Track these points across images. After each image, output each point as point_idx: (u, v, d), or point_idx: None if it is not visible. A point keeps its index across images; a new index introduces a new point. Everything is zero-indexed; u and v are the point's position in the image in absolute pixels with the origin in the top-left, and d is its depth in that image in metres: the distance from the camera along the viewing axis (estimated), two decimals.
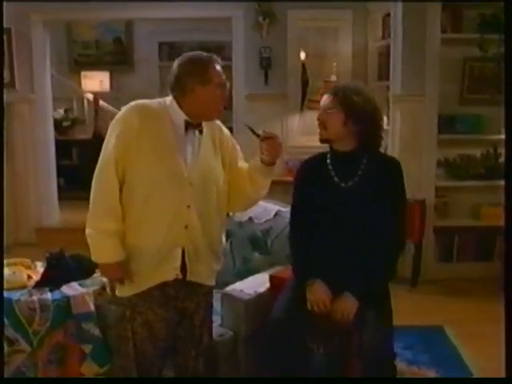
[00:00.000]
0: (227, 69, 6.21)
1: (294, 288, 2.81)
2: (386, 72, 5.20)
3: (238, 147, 2.72)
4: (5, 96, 5.65)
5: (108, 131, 2.50)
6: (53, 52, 7.70)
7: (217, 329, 3.05)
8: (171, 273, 2.52)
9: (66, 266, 3.37)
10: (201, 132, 2.54)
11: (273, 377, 2.72)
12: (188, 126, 2.50)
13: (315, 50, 5.86)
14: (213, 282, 2.72)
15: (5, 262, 3.42)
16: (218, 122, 2.67)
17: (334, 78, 5.75)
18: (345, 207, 2.73)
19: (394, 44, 4.96)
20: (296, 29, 5.82)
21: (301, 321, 2.68)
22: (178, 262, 2.52)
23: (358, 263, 2.68)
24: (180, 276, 2.53)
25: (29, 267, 3.47)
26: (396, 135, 4.91)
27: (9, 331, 3.13)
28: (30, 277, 3.34)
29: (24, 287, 3.28)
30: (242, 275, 3.42)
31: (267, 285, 3.11)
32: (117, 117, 2.50)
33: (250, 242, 3.59)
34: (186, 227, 2.50)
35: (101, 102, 7.44)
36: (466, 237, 5.08)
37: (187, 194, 2.48)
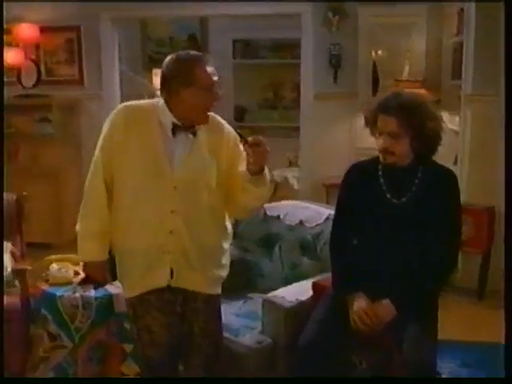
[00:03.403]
0: (297, 67, 6.15)
1: (333, 299, 2.71)
2: (461, 70, 4.96)
3: (241, 150, 2.55)
4: (73, 93, 5.84)
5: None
6: (127, 49, 7.90)
7: (256, 335, 3.01)
8: (162, 279, 2.52)
9: (113, 265, 3.40)
10: (194, 134, 2.48)
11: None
12: (176, 128, 2.45)
13: (387, 47, 5.69)
14: (213, 291, 2.66)
15: (52, 257, 3.52)
16: (222, 123, 2.59)
17: (405, 76, 5.56)
18: (395, 223, 2.61)
19: (466, 40, 4.73)
20: (367, 25, 5.67)
21: (339, 336, 2.57)
22: (168, 269, 2.51)
23: (403, 277, 2.56)
24: (172, 283, 2.52)
25: (76, 264, 3.52)
26: (467, 137, 4.68)
27: (51, 327, 3.21)
28: (77, 273, 3.40)
29: (69, 283, 3.34)
30: (290, 281, 3.35)
31: (311, 292, 3.02)
32: (107, 119, 2.51)
33: (300, 246, 3.52)
34: (171, 232, 2.47)
35: None
36: None
37: (171, 198, 2.45)
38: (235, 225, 3.77)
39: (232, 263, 3.57)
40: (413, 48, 5.63)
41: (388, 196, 2.64)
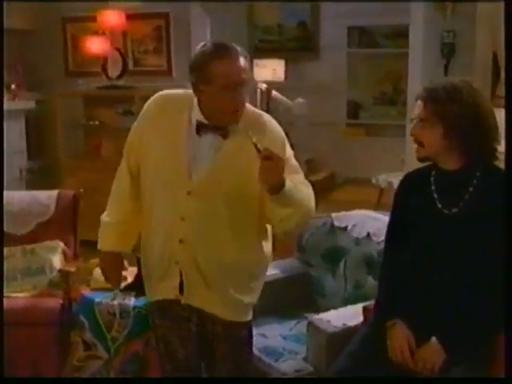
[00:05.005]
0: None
1: (372, 325, 2.57)
2: None
3: (290, 160, 2.38)
4: (159, 84, 5.92)
5: None
6: (232, 37, 7.96)
7: (297, 362, 2.91)
8: (170, 291, 2.48)
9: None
10: (224, 136, 2.35)
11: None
12: (201, 127, 2.35)
13: None
14: (236, 318, 2.52)
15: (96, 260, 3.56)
16: (267, 125, 2.40)
17: None
18: (445, 239, 2.42)
19: None
20: (488, 8, 5.31)
21: (373, 370, 2.41)
22: (177, 281, 2.45)
23: (454, 307, 2.36)
24: (180, 297, 2.47)
25: (125, 268, 3.56)
26: None
27: (86, 335, 3.27)
28: (124, 279, 3.42)
29: (111, 289, 3.37)
30: (352, 301, 3.23)
31: (361, 318, 2.86)
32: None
33: (366, 263, 3.37)
34: (181, 242, 2.40)
35: (273, 93, 7.46)
36: None
37: (182, 204, 2.37)
38: (300, 236, 3.68)
39: (292, 278, 3.54)
40: None
41: (439, 206, 2.44)
